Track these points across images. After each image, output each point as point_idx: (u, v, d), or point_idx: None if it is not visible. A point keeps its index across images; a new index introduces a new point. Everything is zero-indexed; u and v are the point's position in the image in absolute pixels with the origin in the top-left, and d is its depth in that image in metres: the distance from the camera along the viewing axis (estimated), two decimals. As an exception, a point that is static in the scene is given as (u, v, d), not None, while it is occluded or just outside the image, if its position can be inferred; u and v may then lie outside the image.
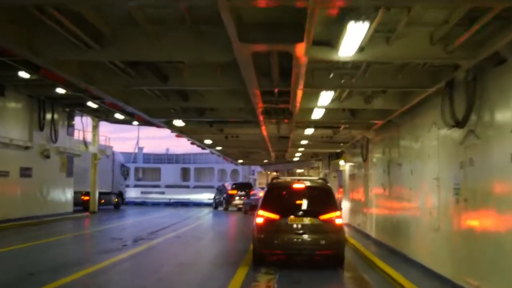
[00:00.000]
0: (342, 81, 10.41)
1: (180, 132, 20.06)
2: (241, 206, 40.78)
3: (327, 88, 10.89)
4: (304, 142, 23.21)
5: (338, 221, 12.54)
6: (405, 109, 12.77)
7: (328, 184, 14.78)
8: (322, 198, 13.09)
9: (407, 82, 10.34)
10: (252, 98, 11.66)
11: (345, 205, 27.17)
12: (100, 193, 38.08)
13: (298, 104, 11.82)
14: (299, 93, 10.72)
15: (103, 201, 38.81)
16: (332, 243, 12.34)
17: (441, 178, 10.82)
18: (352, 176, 25.15)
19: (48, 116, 29.13)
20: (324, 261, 13.16)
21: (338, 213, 12.72)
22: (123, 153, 52.52)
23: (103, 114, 34.09)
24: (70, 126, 33.36)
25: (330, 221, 12.41)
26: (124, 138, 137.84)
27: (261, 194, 35.87)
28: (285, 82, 10.04)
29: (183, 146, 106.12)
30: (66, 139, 32.22)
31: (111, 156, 42.45)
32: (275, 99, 12.20)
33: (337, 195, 29.27)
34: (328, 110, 14.46)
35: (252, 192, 39.93)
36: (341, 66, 9.80)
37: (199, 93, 13.40)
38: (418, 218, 12.66)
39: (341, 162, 27.29)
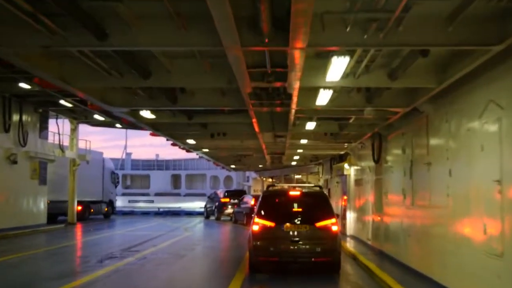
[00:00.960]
0: (365, 36, 7.06)
1: (153, 128, 16.64)
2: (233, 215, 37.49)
3: (342, 46, 7.47)
4: (303, 141, 19.83)
5: (334, 228, 12.70)
6: (444, 87, 9.42)
7: (324, 191, 15.20)
8: (318, 205, 13.25)
9: (461, 36, 6.97)
10: (234, 68, 8.30)
11: (350, 215, 23.79)
12: (89, 202, 36.68)
13: (298, 76, 8.46)
14: (298, 56, 7.37)
15: (92, 210, 37.30)
16: (328, 250, 12.44)
17: (506, 180, 7.48)
18: (358, 182, 21.79)
19: (16, 117, 25.99)
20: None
21: (333, 220, 12.84)
22: (111, 159, 49.36)
23: (81, 116, 31.03)
24: (43, 128, 29.99)
25: (326, 228, 12.61)
26: (121, 146, 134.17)
27: (252, 202, 33.20)
28: (280, 37, 6.72)
29: (177, 154, 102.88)
30: (38, 143, 28.94)
31: (100, 163, 40.12)
32: (268, 78, 8.98)
33: (340, 203, 25.96)
34: (338, 92, 11.17)
35: (243, 200, 36.38)
36: (366, 9, 6.49)
37: (164, 68, 9.96)
38: (462, 237, 9.30)
39: (346, 166, 23.94)
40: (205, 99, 12.24)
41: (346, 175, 24.40)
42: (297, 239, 12.35)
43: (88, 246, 20.81)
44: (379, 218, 17.27)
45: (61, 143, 31.65)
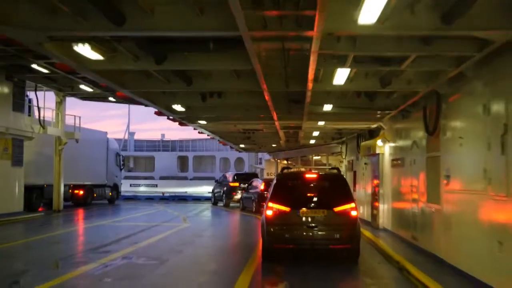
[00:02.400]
0: None
1: (111, 80, 11.61)
2: (243, 201, 32.97)
3: None
4: (327, 107, 14.89)
5: (353, 213, 12.13)
6: None
7: (342, 174, 14.60)
8: (336, 189, 12.79)
9: None
10: None
11: (384, 204, 18.93)
12: (93, 186, 34.60)
13: None
14: None
15: (95, 195, 35.06)
16: (347, 236, 11.92)
17: None
18: (397, 162, 16.90)
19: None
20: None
21: (353, 204, 12.24)
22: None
23: (66, 87, 26.53)
24: (18, 100, 25.39)
25: (344, 214, 12.05)
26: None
27: (262, 186, 28.80)
28: None
29: (184, 134, 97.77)
30: (10, 117, 24.40)
31: (104, 143, 36.96)
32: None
33: (370, 189, 21.12)
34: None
35: (251, 184, 31.66)
36: None
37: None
38: None
39: (379, 143, 19.00)
40: (171, 17, 7.38)
41: (378, 154, 19.48)
42: (313, 224, 11.84)
43: (47, 245, 16.23)
44: (433, 211, 12.41)
45: (41, 118, 27.19)
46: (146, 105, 15.70)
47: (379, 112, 16.09)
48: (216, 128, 22.53)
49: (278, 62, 9.75)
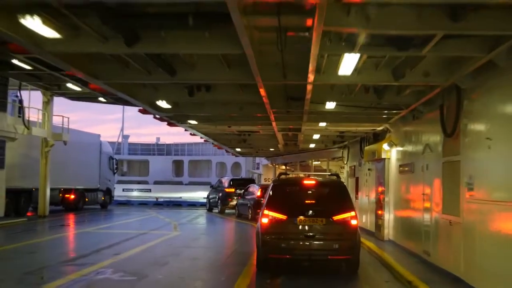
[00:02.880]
0: None
1: (79, 69, 9.99)
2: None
3: None
4: (330, 105, 13.32)
5: (353, 222, 11.52)
6: None
7: (342, 180, 13.90)
8: (335, 196, 12.20)
9: None
10: None
11: (390, 213, 17.38)
12: (84, 190, 33.44)
13: None
14: None
15: (87, 199, 33.84)
16: (347, 247, 11.35)
17: None
18: (405, 168, 15.36)
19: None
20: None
21: (353, 213, 11.58)
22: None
23: (52, 85, 25.04)
24: (0, 98, 23.86)
25: (344, 222, 11.47)
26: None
27: (258, 193, 27.36)
28: None
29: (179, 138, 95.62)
30: (-11, 116, 22.93)
31: (97, 147, 35.73)
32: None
33: (375, 197, 19.57)
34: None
35: (248, 190, 30.21)
36: None
37: None
38: None
39: (385, 147, 17.48)
40: None
41: (384, 159, 17.95)
42: (311, 234, 11.30)
43: (19, 255, 14.60)
44: (450, 223, 10.85)
45: (25, 118, 25.68)
46: (131, 104, 14.12)
47: (386, 112, 14.58)
48: (209, 130, 20.96)
49: (273, 49, 8.20)
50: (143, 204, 43.41)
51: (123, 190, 46.34)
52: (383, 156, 17.90)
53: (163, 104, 13.70)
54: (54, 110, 29.11)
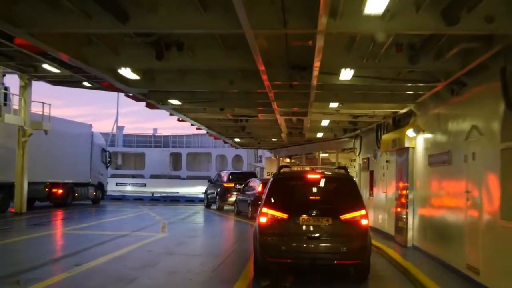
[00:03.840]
0: None
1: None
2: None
3: None
4: (345, 74, 10.16)
5: (363, 222, 10.25)
6: None
7: (351, 174, 12.51)
8: (343, 193, 11.03)
9: None
10: None
11: (415, 214, 14.37)
12: (74, 185, 31.09)
13: None
14: None
15: (77, 194, 31.51)
16: (356, 250, 10.11)
17: None
18: (439, 159, 12.29)
19: None
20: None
21: (363, 211, 10.30)
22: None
23: (28, 67, 22.25)
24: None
25: (353, 222, 10.23)
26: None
27: (259, 188, 24.42)
28: None
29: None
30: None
31: (88, 138, 33.31)
32: None
33: (395, 193, 16.53)
34: None
35: (248, 185, 27.33)
36: None
37: None
38: None
39: (409, 133, 14.39)
40: None
41: (407, 149, 14.89)
42: (316, 235, 10.09)
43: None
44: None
45: (-4, 104, 22.79)
46: (122, 90, 11.09)
47: (415, 87, 11.48)
48: (198, 115, 17.82)
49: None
50: (138, 199, 40.76)
51: (117, 184, 43.57)
52: (406, 145, 14.83)
53: (128, 73, 10.56)
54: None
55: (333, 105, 14.11)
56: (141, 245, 15.42)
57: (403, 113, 15.33)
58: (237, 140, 28.85)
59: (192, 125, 21.47)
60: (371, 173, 20.60)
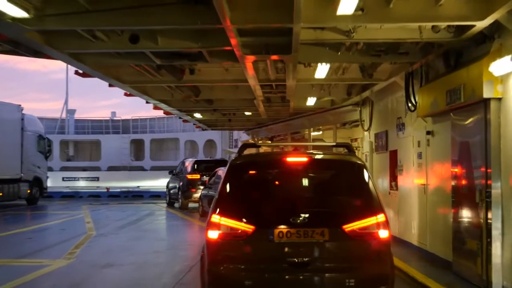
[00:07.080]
0: None
1: None
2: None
3: None
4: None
5: (382, 235, 6.11)
6: None
7: (358, 157, 7.84)
8: (347, 187, 6.71)
9: None
10: None
11: (506, 233, 7.30)
12: None
13: None
14: None
15: (1, 194, 25.53)
16: (371, 280, 6.07)
17: None
18: None
19: None
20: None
21: (381, 216, 6.12)
22: (44, 120, 34.09)
23: None
24: None
25: (364, 236, 6.12)
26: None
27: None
28: None
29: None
30: None
31: (17, 123, 26.94)
32: None
33: (459, 184, 9.51)
34: None
35: (216, 175, 20.79)
36: None
37: None
38: None
39: (497, 67, 7.22)
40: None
41: (485, 103, 7.86)
42: (304, 260, 6.06)
43: None
44: None
45: None
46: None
47: None
48: (102, 59, 10.25)
49: None
50: (94, 196, 34.42)
51: (63, 179, 36.57)
52: (485, 95, 7.73)
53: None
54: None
55: (346, 10, 6.80)
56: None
57: (474, 35, 8.12)
58: (197, 115, 21.36)
59: (109, 84, 13.47)
60: (393, 154, 13.51)
